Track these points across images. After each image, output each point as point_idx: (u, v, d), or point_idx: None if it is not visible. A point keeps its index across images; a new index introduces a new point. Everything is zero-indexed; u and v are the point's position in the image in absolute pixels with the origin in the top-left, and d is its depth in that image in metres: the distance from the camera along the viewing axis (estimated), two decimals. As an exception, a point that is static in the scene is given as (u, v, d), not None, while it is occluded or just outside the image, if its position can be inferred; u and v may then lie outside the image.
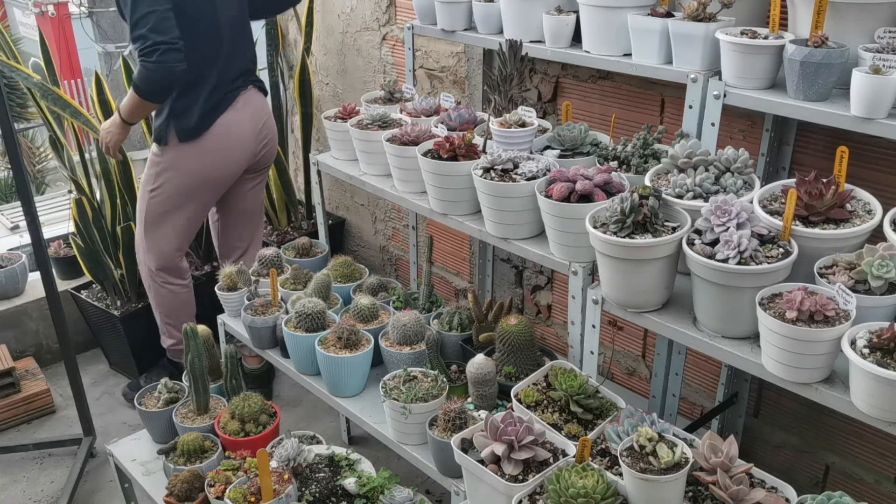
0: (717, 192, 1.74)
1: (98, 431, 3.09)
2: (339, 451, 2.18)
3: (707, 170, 1.79)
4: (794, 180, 1.67)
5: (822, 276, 1.53)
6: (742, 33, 1.81)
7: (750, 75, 1.79)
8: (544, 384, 1.95)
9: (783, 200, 1.67)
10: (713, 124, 1.88)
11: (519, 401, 1.89)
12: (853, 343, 1.41)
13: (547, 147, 2.15)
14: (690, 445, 1.64)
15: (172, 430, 2.40)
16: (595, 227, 1.68)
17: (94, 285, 3.51)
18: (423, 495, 2.05)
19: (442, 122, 2.34)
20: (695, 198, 1.73)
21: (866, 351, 1.38)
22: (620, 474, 1.61)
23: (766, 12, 1.95)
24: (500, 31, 2.40)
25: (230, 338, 2.75)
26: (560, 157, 2.08)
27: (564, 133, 2.13)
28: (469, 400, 2.07)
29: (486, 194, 1.98)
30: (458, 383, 2.18)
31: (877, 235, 1.57)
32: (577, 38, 2.20)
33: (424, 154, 2.14)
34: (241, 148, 2.90)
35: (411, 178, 2.26)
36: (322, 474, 2.08)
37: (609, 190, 1.85)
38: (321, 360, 2.29)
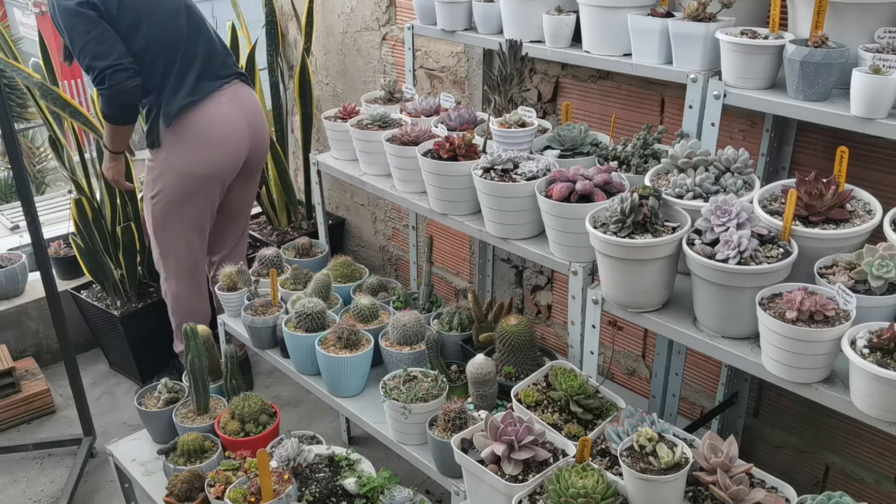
0: (717, 192, 1.74)
1: (98, 431, 3.09)
2: (339, 451, 2.18)
3: (707, 170, 1.79)
4: (794, 180, 1.67)
5: (822, 276, 1.53)
6: (742, 33, 1.81)
7: (750, 75, 1.79)
8: (544, 384, 1.95)
9: (783, 200, 1.67)
10: (713, 124, 1.88)
11: (519, 401, 1.88)
12: (853, 343, 1.41)
13: (547, 147, 2.15)
14: (690, 445, 1.64)
15: (172, 430, 2.41)
16: (595, 227, 1.68)
17: (94, 285, 3.51)
18: (423, 495, 2.05)
19: (442, 122, 2.34)
20: (695, 198, 1.73)
21: (866, 351, 1.38)
22: (620, 474, 1.61)
23: (766, 12, 1.94)
24: (500, 31, 2.40)
25: (230, 338, 2.75)
26: (560, 157, 2.08)
27: (564, 133, 2.13)
28: (469, 400, 2.07)
29: (486, 194, 1.98)
30: (458, 383, 2.18)
31: (877, 235, 1.57)
32: (577, 38, 2.20)
33: (424, 154, 2.14)
34: (233, 140, 2.91)
35: (411, 178, 2.26)
36: (322, 474, 2.08)
37: (609, 190, 1.85)
38: (321, 360, 2.29)
